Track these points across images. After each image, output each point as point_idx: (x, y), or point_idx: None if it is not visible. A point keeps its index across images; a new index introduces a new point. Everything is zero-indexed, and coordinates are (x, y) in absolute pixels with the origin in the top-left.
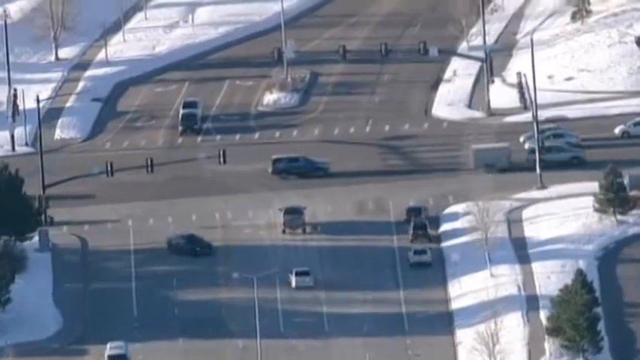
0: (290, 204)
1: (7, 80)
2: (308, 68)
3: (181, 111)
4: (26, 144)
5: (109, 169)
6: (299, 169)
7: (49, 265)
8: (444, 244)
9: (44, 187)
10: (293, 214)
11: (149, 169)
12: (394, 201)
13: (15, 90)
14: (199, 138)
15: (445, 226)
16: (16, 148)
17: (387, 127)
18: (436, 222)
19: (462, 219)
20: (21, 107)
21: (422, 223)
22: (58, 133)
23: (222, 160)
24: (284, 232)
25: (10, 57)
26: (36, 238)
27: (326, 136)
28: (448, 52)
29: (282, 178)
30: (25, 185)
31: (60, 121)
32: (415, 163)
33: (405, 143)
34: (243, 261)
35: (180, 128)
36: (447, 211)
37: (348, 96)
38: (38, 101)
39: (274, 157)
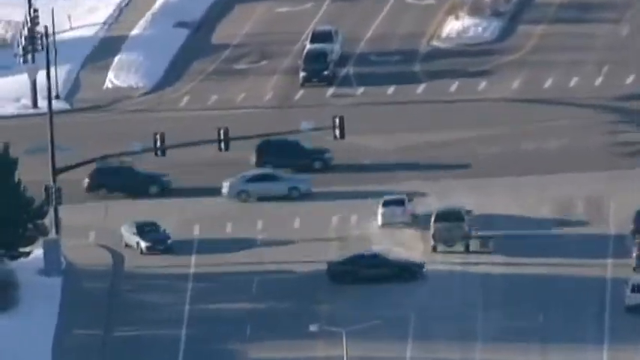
0: (422, 198)
1: None
2: None
3: (307, 46)
4: (57, 96)
5: (159, 141)
6: None
7: (57, 297)
8: None
9: (55, 172)
10: (448, 220)
11: (222, 143)
12: (619, 202)
13: (36, 12)
14: (330, 90)
15: None
16: (40, 102)
17: (629, 79)
18: None
19: None
20: (51, 37)
21: None
22: (111, 80)
23: (338, 132)
24: (435, 249)
25: None
26: (38, 253)
27: (529, 91)
28: None
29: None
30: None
31: (116, 59)
32: None
33: None
34: (363, 296)
35: (301, 75)
36: None
37: (577, 25)
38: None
39: None
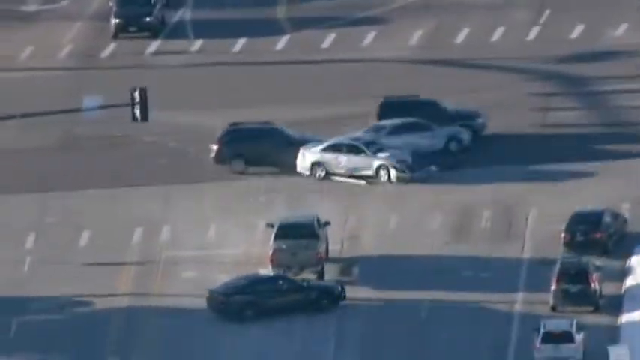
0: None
1: None
2: None
3: None
4: None
5: None
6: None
7: None
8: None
9: None
10: (292, 236)
11: None
12: (540, 212)
13: None
14: (154, 45)
15: None
16: None
17: (575, 32)
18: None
19: None
20: None
21: (581, 266)
22: None
23: (138, 111)
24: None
25: None
26: None
27: (433, 48)
28: None
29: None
30: None
31: None
32: None
33: None
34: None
35: (114, 21)
36: None
37: None
38: None
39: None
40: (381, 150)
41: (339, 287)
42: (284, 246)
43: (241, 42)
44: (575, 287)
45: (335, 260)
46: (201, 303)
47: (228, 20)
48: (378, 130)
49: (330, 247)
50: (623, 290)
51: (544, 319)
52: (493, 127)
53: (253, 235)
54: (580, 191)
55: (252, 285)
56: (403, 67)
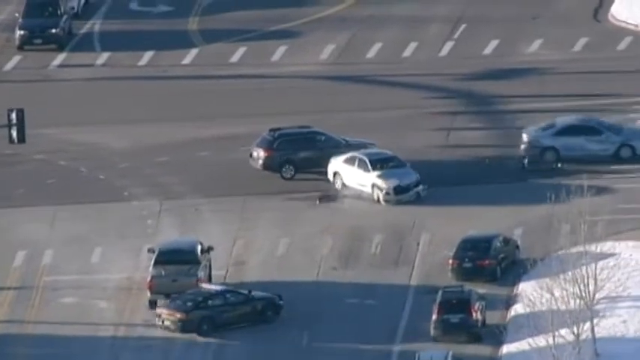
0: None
1: None
2: None
3: None
4: None
5: None
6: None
7: None
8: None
9: None
10: (173, 261)
11: None
12: (432, 236)
13: None
14: (60, 57)
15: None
16: None
17: (489, 47)
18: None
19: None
20: None
21: (463, 295)
22: None
23: (15, 133)
24: (153, 305)
25: None
26: None
27: (344, 63)
28: None
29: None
30: None
31: None
32: None
33: None
34: None
35: (19, 33)
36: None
37: None
38: None
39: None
40: (398, 166)
41: (279, 297)
42: (163, 272)
43: (149, 55)
44: (456, 317)
45: None
46: (80, 330)
47: (138, 32)
48: (547, 128)
49: (214, 273)
50: (507, 320)
51: (419, 351)
52: (392, 149)
53: (138, 260)
54: (475, 215)
55: (206, 300)
56: (312, 82)
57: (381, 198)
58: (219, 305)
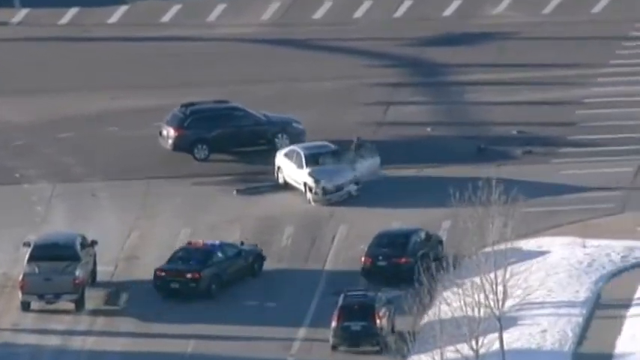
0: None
1: None
2: None
3: None
4: None
5: None
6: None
7: None
8: None
9: None
10: (48, 257)
11: None
12: (351, 232)
13: None
14: None
15: None
16: None
17: (449, 9)
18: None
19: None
20: None
21: (366, 300)
22: None
23: None
24: (26, 307)
25: None
26: None
27: (285, 25)
28: None
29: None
30: None
31: None
32: None
33: None
34: None
35: None
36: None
37: None
38: None
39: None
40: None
41: (260, 248)
42: (37, 270)
43: (72, 12)
44: (358, 325)
45: (103, 285)
46: None
47: None
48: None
49: (100, 269)
50: (418, 327)
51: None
52: (320, 129)
53: (19, 253)
54: (402, 205)
55: (210, 257)
56: (248, 47)
57: (310, 198)
58: (222, 261)
